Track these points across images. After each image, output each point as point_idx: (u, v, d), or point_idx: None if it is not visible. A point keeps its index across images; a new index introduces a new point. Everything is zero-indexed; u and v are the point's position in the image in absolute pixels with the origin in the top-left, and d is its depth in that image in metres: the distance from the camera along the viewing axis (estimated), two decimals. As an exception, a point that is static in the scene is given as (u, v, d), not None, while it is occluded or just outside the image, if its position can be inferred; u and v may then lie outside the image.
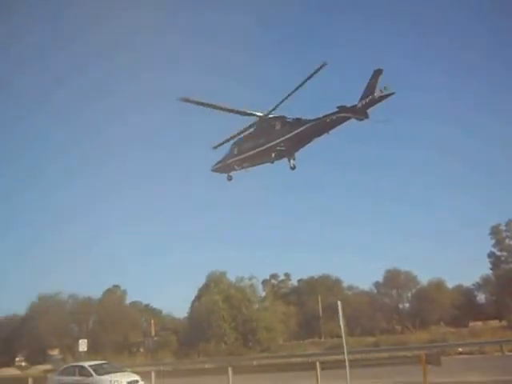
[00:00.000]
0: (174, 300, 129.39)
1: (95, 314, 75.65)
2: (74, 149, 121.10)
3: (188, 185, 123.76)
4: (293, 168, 19.72)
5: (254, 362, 35.61)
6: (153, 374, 27.62)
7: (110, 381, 24.09)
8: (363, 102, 18.08)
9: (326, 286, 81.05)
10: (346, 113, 18.38)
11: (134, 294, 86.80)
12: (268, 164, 20.74)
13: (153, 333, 72.48)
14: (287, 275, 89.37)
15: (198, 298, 66.07)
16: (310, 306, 75.74)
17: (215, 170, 21.87)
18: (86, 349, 41.61)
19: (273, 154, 19.57)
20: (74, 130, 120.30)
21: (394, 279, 79.58)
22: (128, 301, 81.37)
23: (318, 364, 22.95)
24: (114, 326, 71.97)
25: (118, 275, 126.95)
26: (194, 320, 63.92)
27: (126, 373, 26.22)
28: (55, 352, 67.74)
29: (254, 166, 20.54)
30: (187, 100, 18.93)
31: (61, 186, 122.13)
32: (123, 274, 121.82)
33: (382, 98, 17.94)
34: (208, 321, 60.68)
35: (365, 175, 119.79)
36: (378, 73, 18.23)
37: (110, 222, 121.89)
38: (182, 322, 73.43)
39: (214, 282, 65.93)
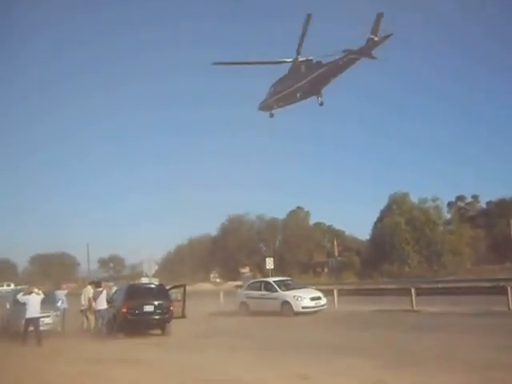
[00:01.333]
0: (357, 221, 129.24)
1: (281, 233, 78.54)
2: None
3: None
4: (321, 104, 21.16)
5: (439, 285, 34.48)
6: (335, 292, 27.98)
7: (294, 296, 24.76)
8: (368, 44, 19.47)
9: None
10: (353, 55, 19.95)
11: (317, 215, 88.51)
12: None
13: (336, 253, 73.53)
14: (475, 197, 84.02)
15: (381, 219, 65.12)
16: (501, 230, 70.82)
17: (260, 108, 23.40)
18: (272, 267, 43.50)
19: (298, 94, 21.12)
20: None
21: None
22: (311, 222, 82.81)
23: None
24: (299, 246, 74.12)
25: (301, 197, 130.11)
26: (377, 241, 63.50)
27: (308, 289, 26.81)
28: (246, 269, 71.30)
29: (288, 105, 21.75)
30: (220, 63, 20.81)
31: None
32: (306, 196, 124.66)
33: (383, 39, 19.15)
34: (390, 242, 59.93)
35: None
36: (379, 16, 19.30)
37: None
38: (364, 244, 73.30)
39: (397, 204, 64.33)
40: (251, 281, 31.18)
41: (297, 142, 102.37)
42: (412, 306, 23.96)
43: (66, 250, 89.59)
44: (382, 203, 66.70)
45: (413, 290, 24.37)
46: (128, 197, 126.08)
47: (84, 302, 21.82)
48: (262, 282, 28.34)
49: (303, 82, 20.53)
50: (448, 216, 72.51)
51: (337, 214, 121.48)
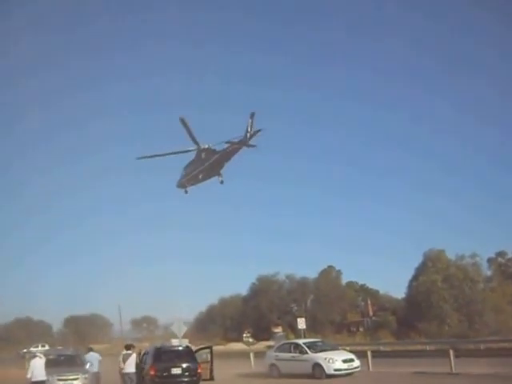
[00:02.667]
0: (390, 279, 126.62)
1: (312, 293, 77.38)
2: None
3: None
4: (221, 182, 25.29)
5: (481, 346, 33.13)
6: (369, 354, 27.06)
7: (325, 358, 23.99)
8: (246, 136, 23.60)
9: None
10: (235, 145, 24.20)
11: (349, 274, 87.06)
12: None
13: (370, 313, 71.86)
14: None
15: (416, 277, 63.65)
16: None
17: (177, 186, 26.74)
18: (304, 326, 42.69)
19: (200, 176, 24.90)
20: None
21: None
22: (343, 280, 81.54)
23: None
24: (332, 306, 72.82)
25: (331, 256, 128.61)
26: (412, 300, 61.83)
27: (340, 351, 25.99)
28: (278, 329, 70.24)
29: (195, 184, 25.37)
30: (143, 157, 25.02)
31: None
32: (338, 254, 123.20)
33: (255, 133, 23.48)
34: (427, 301, 58.35)
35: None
36: (252, 115, 23.24)
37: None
38: (399, 302, 71.54)
39: (432, 261, 62.98)
40: (281, 342, 30.45)
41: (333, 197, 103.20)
42: (451, 369, 22.90)
43: (98, 311, 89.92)
44: (417, 261, 65.45)
45: (451, 352, 23.32)
46: (159, 258, 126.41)
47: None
48: (291, 343, 27.69)
49: (204, 166, 24.59)
50: (488, 273, 70.29)
51: (370, 273, 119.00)
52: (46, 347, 62.97)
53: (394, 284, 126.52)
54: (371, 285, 79.28)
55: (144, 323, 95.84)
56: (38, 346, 64.07)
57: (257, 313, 76.36)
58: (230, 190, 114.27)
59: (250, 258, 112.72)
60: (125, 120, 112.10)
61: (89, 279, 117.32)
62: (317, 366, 23.90)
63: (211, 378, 21.08)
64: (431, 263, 62.77)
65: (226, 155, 24.43)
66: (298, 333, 47.76)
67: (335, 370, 23.59)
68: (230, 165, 25.02)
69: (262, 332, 72.46)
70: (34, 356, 20.02)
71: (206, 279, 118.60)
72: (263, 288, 78.55)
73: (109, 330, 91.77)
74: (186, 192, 26.63)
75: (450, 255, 63.88)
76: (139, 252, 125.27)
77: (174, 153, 25.23)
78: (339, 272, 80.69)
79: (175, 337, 33.00)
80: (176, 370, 19.57)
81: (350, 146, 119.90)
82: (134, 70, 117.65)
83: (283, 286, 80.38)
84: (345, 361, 24.07)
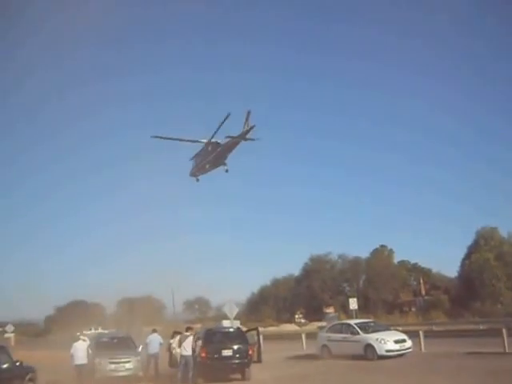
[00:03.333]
0: (443, 258, 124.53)
1: (364, 273, 76.95)
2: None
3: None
4: (226, 171, 27.18)
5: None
6: (421, 334, 26.75)
7: (377, 339, 23.86)
8: (243, 131, 25.28)
9: None
10: (234, 139, 25.85)
11: (401, 253, 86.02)
12: None
13: (423, 292, 70.99)
14: None
15: (468, 255, 62.49)
16: None
17: (190, 175, 28.54)
18: (356, 307, 42.60)
19: (207, 166, 27.11)
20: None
21: None
22: (396, 260, 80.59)
23: None
24: (384, 286, 72.29)
25: (384, 235, 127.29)
26: (465, 279, 60.90)
27: (392, 332, 25.80)
28: (330, 310, 70.25)
29: (204, 173, 27.70)
30: (158, 136, 26.74)
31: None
32: (389, 234, 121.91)
33: (250, 129, 25.14)
34: (480, 279, 57.28)
35: None
36: (248, 113, 25.26)
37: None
38: (452, 281, 70.29)
39: (485, 239, 61.64)
40: (332, 323, 30.45)
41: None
42: (504, 348, 22.45)
43: (151, 293, 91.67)
44: (469, 239, 64.35)
45: (504, 331, 22.87)
46: (213, 238, 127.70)
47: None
48: (343, 324, 27.65)
49: (210, 158, 26.69)
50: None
51: (422, 252, 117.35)
52: (100, 330, 64.76)
53: (446, 263, 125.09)
54: (423, 264, 78.11)
55: (196, 305, 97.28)
56: (91, 329, 66.06)
57: (309, 293, 76.62)
58: (281, 170, 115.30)
59: (303, 238, 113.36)
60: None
61: (142, 262, 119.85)
62: (368, 346, 23.81)
63: (259, 361, 21.25)
64: (484, 241, 61.54)
65: (228, 148, 26.59)
66: (349, 313, 47.68)
67: (387, 350, 23.44)
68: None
69: (314, 313, 72.55)
70: (78, 339, 20.31)
71: (259, 260, 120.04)
72: (316, 268, 78.62)
73: (162, 311, 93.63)
74: (198, 180, 28.97)
75: (503, 233, 62.66)
76: (192, 234, 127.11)
77: (187, 140, 27.66)
78: (391, 251, 79.77)
79: (227, 318, 33.41)
80: (227, 352, 19.78)
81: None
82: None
83: (335, 265, 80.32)
84: (397, 341, 23.89)
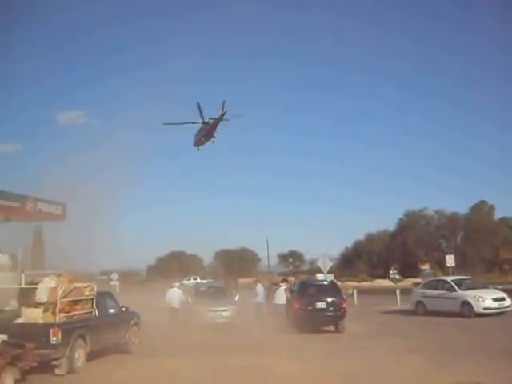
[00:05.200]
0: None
1: (462, 229, 74.68)
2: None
3: None
4: (213, 142, 31.57)
5: None
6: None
7: (475, 296, 23.30)
8: (220, 114, 29.37)
9: None
10: (215, 120, 30.07)
11: (503, 209, 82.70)
12: None
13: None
14: None
15: None
16: None
17: (193, 145, 32.49)
18: (453, 264, 41.54)
19: (202, 139, 31.39)
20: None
21: None
22: (496, 216, 77.41)
23: None
24: (483, 242, 69.93)
25: (484, 190, 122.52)
26: None
27: (491, 289, 25.06)
28: (425, 266, 68.97)
29: (201, 145, 31.86)
30: (169, 123, 32.67)
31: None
32: (490, 189, 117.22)
33: (224, 114, 29.13)
34: None
35: None
36: (224, 102, 29.11)
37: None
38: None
39: None
40: (428, 279, 29.96)
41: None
42: None
43: (247, 245, 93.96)
44: None
45: None
46: (306, 190, 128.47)
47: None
48: (439, 280, 27.19)
49: (203, 133, 30.97)
50: None
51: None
52: (198, 280, 67.44)
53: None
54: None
55: (290, 258, 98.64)
56: (190, 279, 68.86)
57: (404, 249, 75.56)
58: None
59: (398, 192, 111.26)
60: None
61: (238, 214, 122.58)
62: (465, 304, 23.32)
63: None
64: None
65: (212, 126, 30.65)
66: (446, 270, 46.67)
67: (485, 308, 22.88)
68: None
69: (408, 269, 71.41)
70: (172, 286, 22.53)
71: (353, 214, 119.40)
72: (411, 224, 77.32)
73: (257, 264, 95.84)
74: (198, 149, 33.08)
75: None
76: (287, 187, 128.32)
77: (190, 122, 31.93)
78: (492, 207, 76.70)
79: (320, 272, 33.70)
80: (321, 305, 20.03)
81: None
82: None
83: (431, 221, 78.60)
84: (495, 299, 23.23)
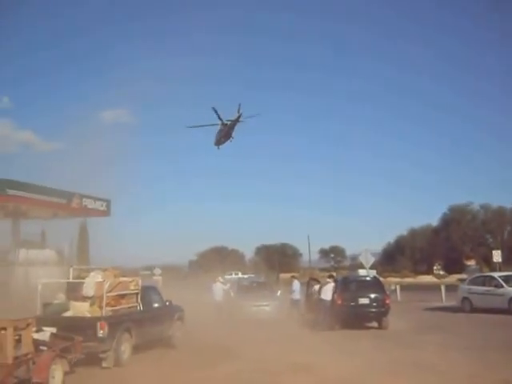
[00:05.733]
0: None
1: (509, 224, 72.93)
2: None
3: None
4: (231, 141, 33.15)
5: None
6: None
7: (523, 292, 22.72)
8: (237, 116, 31.11)
9: None
10: (232, 122, 31.71)
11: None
12: None
13: None
14: None
15: None
16: None
17: (214, 144, 34.21)
18: (500, 260, 40.63)
19: (222, 139, 32.99)
20: None
21: None
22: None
23: None
24: (532, 238, 68.29)
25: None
26: None
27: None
28: (471, 262, 67.93)
29: (221, 144, 33.52)
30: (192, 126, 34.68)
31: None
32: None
33: (239, 116, 30.89)
34: None
35: None
36: (239, 106, 30.94)
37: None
38: None
39: None
40: (474, 275, 29.35)
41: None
42: None
43: (288, 241, 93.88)
44: None
45: None
46: (349, 185, 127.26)
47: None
48: (486, 276, 26.64)
49: (222, 134, 32.79)
50: None
51: None
52: (240, 275, 67.72)
53: None
54: None
55: (332, 253, 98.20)
56: (232, 274, 69.20)
57: (448, 244, 74.28)
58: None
59: (442, 186, 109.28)
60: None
61: (280, 210, 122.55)
62: (513, 300, 22.78)
63: None
64: None
65: (230, 127, 32.28)
66: (492, 266, 45.70)
67: (534, 305, 22.29)
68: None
69: (453, 265, 70.49)
70: (216, 281, 23.30)
71: (395, 210, 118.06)
72: (455, 218, 75.95)
73: (298, 259, 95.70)
74: (218, 148, 34.92)
75: None
76: (328, 180, 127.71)
77: (211, 125, 33.66)
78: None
79: (362, 267, 33.42)
80: (363, 300, 19.83)
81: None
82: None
83: (477, 216, 77.09)
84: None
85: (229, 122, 32.85)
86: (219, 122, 33.44)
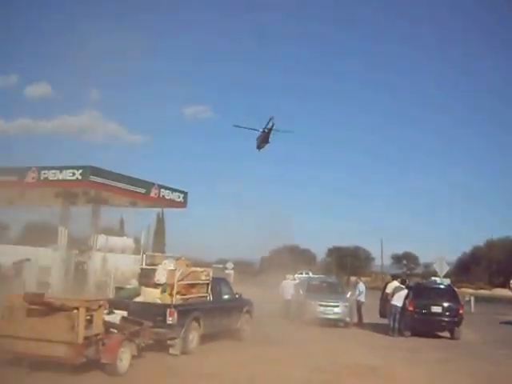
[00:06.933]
0: None
1: None
2: None
3: None
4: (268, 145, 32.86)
5: None
6: None
7: None
8: (271, 126, 30.48)
9: None
10: (269, 129, 30.91)
11: None
12: None
13: None
14: None
15: None
16: None
17: (257, 147, 33.96)
18: None
19: (260, 144, 32.30)
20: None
21: None
22: None
23: None
24: None
25: None
26: None
27: None
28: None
29: (261, 148, 33.21)
30: (238, 126, 34.11)
31: None
32: None
33: (272, 127, 30.35)
34: None
35: None
36: (271, 117, 30.28)
37: None
38: None
39: None
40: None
41: None
42: None
43: (361, 243, 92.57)
44: None
45: None
46: (426, 191, 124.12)
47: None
48: None
49: (261, 139, 32.40)
50: None
51: None
52: (310, 274, 67.43)
53: None
54: None
55: (404, 259, 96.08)
56: (302, 273, 68.94)
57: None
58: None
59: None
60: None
61: (352, 213, 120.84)
62: None
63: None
64: None
65: (266, 134, 32.23)
66: None
67: None
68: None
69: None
70: (285, 279, 23.84)
71: (471, 219, 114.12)
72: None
73: (370, 263, 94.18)
74: (259, 151, 35.04)
75: None
76: (405, 187, 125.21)
77: (254, 129, 33.89)
78: None
79: (435, 275, 32.53)
80: (436, 309, 19.30)
81: None
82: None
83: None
84: None
85: (266, 130, 33.27)
86: (261, 129, 33.73)
